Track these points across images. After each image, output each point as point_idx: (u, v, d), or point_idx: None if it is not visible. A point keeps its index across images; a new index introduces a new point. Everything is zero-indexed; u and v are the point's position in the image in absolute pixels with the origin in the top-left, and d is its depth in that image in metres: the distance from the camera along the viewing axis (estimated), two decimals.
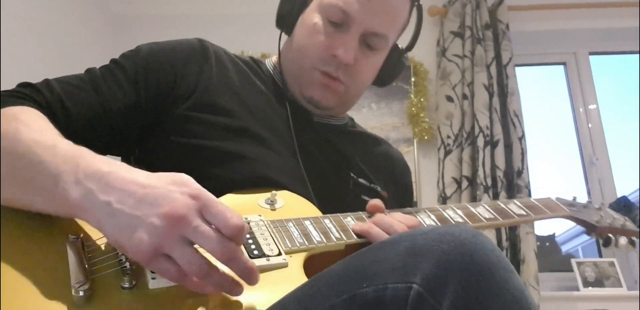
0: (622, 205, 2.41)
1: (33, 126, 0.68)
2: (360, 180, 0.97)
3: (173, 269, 0.55)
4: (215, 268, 0.56)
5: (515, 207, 0.97)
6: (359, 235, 0.77)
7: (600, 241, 1.11)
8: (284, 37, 1.03)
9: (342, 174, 0.95)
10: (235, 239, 0.56)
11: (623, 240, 1.10)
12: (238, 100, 0.91)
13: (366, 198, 0.94)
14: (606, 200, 2.52)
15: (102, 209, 0.56)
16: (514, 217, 0.94)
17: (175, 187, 0.57)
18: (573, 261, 2.35)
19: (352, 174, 0.96)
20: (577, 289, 2.25)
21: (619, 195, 2.51)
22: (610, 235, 1.10)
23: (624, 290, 2.23)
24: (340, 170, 0.96)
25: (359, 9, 0.91)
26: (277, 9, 0.99)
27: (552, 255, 2.79)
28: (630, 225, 1.14)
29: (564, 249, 3.19)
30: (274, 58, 1.06)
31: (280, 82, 1.01)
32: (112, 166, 0.60)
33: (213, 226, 0.56)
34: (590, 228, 1.09)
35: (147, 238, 0.54)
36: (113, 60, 0.90)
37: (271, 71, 1.03)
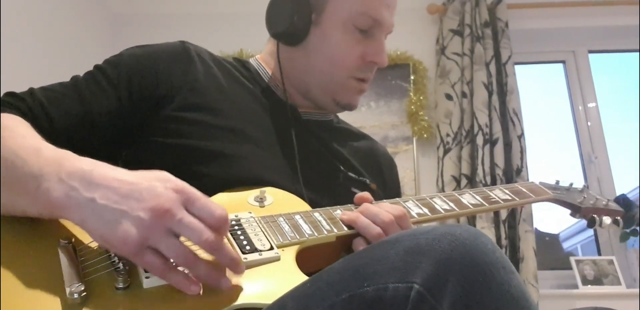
0: (621, 204, 2.42)
1: (17, 132, 0.69)
2: (350, 173, 0.97)
3: (158, 262, 0.57)
4: (202, 260, 0.59)
5: (500, 192, 0.99)
6: (348, 226, 0.79)
7: (585, 222, 1.14)
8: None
9: (331, 168, 0.96)
10: (220, 230, 0.59)
11: (607, 219, 1.12)
12: (225, 99, 0.91)
13: (356, 191, 0.95)
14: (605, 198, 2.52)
15: (86, 205, 0.57)
16: (500, 202, 0.96)
17: (159, 183, 0.59)
18: (572, 259, 2.35)
19: (342, 168, 0.97)
20: (576, 287, 2.25)
21: (618, 193, 2.51)
22: (594, 215, 1.12)
23: (623, 288, 2.23)
24: (330, 165, 0.97)
25: (385, 14, 0.95)
26: (282, 25, 0.95)
27: (551, 253, 2.79)
28: (613, 205, 1.16)
29: (563, 246, 3.19)
30: (258, 56, 1.06)
31: (265, 77, 1.01)
32: (94, 165, 0.61)
33: (197, 219, 0.58)
34: (574, 209, 1.11)
35: (134, 231, 0.55)
36: (96, 66, 0.90)
37: (257, 69, 1.03)
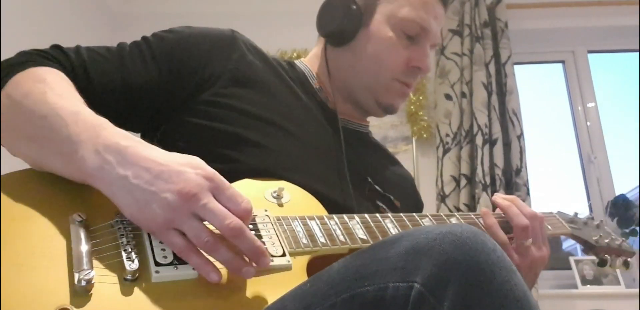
0: (621, 204, 2.41)
1: (58, 89, 0.70)
2: (376, 186, 0.97)
3: (181, 243, 0.59)
4: (224, 246, 0.59)
5: None
6: (362, 239, 0.76)
7: (596, 260, 1.12)
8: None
9: (359, 178, 0.95)
10: (244, 219, 0.60)
11: (618, 261, 1.11)
12: (267, 92, 0.91)
13: (380, 204, 0.95)
14: (605, 198, 2.53)
15: (119, 182, 0.59)
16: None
17: (190, 168, 0.60)
18: (571, 259, 2.35)
19: (369, 179, 0.97)
20: (576, 287, 2.25)
21: (618, 193, 2.51)
22: (606, 255, 1.10)
23: (622, 288, 2.23)
24: (358, 175, 0.96)
25: (433, 24, 0.99)
26: (332, 25, 1.00)
27: (550, 253, 2.79)
28: (626, 245, 1.14)
29: (563, 246, 3.19)
30: (304, 59, 1.08)
31: (311, 79, 1.02)
32: (130, 141, 0.63)
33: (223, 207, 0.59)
34: (588, 247, 1.09)
35: (160, 212, 0.57)
36: (143, 37, 0.91)
37: (304, 71, 1.04)
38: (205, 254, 0.60)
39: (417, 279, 0.50)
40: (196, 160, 0.62)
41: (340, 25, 0.98)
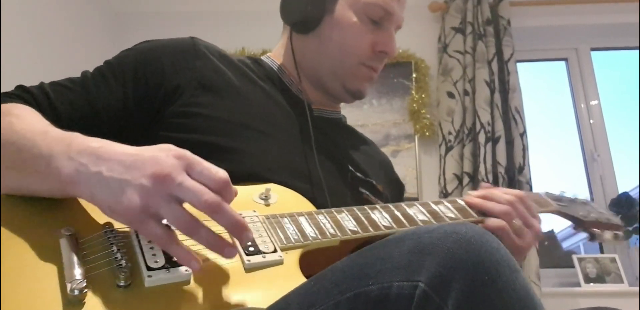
0: (624, 202, 2.41)
1: (25, 118, 0.71)
2: (357, 174, 0.98)
3: (161, 232, 0.58)
4: (204, 226, 0.58)
5: None
6: (353, 230, 0.77)
7: (587, 236, 1.14)
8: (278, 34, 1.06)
9: (340, 167, 0.97)
10: (222, 192, 0.59)
11: (607, 234, 1.12)
12: (235, 95, 0.92)
13: (364, 191, 0.96)
14: (607, 196, 2.52)
15: (93, 179, 0.59)
16: None
17: (161, 152, 0.60)
18: (574, 257, 2.34)
19: (350, 167, 0.98)
20: (579, 285, 2.25)
21: (621, 191, 2.51)
22: (595, 229, 1.11)
23: (625, 286, 2.23)
24: (339, 164, 0.97)
25: (396, 7, 0.99)
26: (297, 12, 1.00)
27: (553, 252, 2.79)
28: (614, 219, 1.16)
29: (565, 245, 3.19)
30: (270, 54, 1.08)
31: (279, 73, 1.03)
32: (102, 142, 0.63)
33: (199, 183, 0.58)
34: (577, 223, 1.11)
35: (136, 197, 0.56)
36: (105, 61, 0.91)
37: (271, 66, 1.04)
38: (185, 242, 0.60)
39: (422, 278, 0.50)
40: (166, 145, 0.62)
41: (305, 12, 0.99)
